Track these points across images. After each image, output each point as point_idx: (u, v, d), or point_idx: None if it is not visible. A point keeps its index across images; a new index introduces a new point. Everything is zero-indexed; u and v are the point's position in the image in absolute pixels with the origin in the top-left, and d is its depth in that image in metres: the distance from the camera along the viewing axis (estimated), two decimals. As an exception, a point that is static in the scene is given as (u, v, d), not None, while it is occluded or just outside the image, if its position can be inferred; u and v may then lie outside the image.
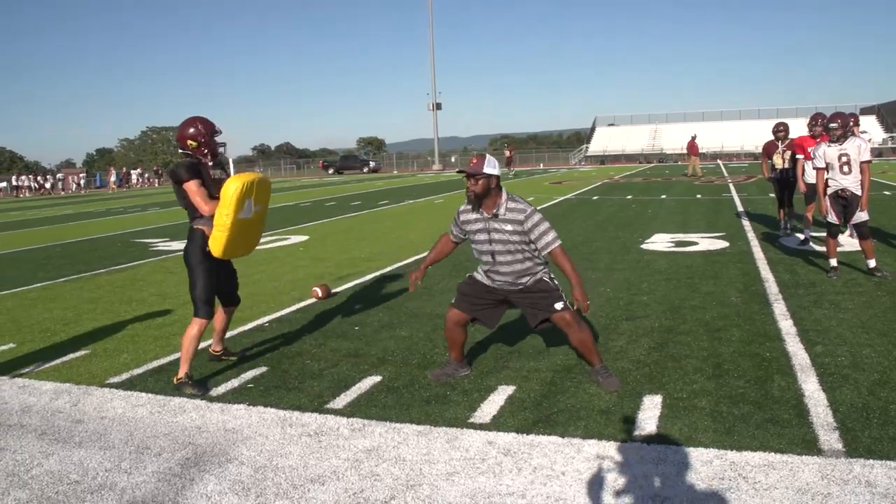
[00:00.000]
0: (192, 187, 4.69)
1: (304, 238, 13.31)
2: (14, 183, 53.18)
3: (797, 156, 9.90)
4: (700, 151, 32.56)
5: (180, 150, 4.89)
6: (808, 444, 3.47)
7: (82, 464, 3.69)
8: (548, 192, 23.99)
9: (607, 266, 8.67)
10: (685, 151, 32.54)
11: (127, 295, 8.31)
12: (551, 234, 4.23)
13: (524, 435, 3.74)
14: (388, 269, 9.25)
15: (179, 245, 13.20)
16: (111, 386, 4.93)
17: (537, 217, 4.23)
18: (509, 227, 4.21)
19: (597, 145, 65.44)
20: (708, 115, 66.60)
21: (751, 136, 54.71)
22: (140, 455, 3.76)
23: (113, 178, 54.41)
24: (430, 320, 6.29)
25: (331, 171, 61.10)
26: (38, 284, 9.36)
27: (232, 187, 4.62)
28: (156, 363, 5.40)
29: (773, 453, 3.39)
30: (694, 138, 30.15)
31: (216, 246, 4.71)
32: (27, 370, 5.39)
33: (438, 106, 61.05)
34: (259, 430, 4.02)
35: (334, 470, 3.44)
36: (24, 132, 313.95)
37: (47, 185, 54.90)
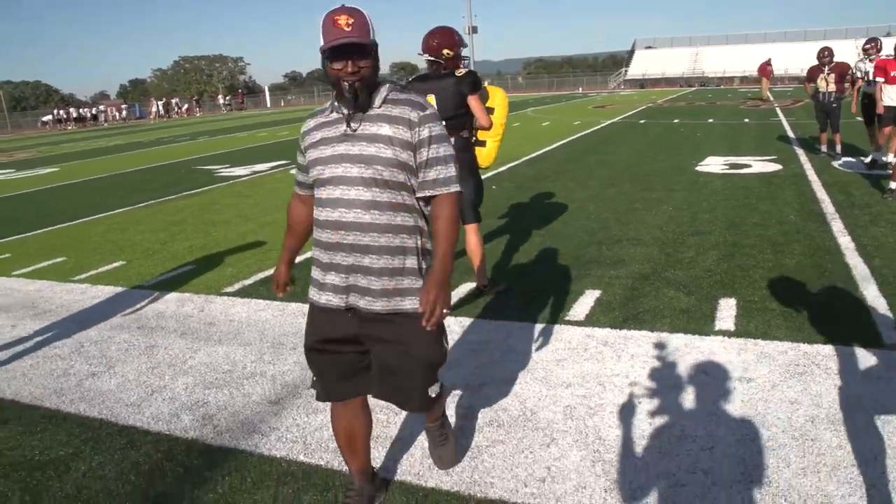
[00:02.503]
0: (474, 101, 4.58)
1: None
2: (56, 116, 54.10)
3: (877, 78, 9.91)
4: (745, 75, 31.52)
5: (428, 58, 4.68)
6: (872, 339, 3.89)
7: (229, 357, 4.25)
8: (593, 115, 23.97)
9: (665, 187, 8.99)
10: (757, 74, 31.07)
11: (208, 217, 8.87)
12: (453, 170, 2.36)
13: (618, 330, 4.23)
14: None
15: (243, 171, 13.75)
16: (228, 294, 5.50)
17: (441, 130, 2.36)
18: (386, 130, 2.28)
19: (636, 69, 64.06)
20: (752, 37, 64.42)
21: (796, 59, 52.98)
22: (277, 349, 4.31)
23: (154, 109, 55.14)
24: (515, 234, 6.75)
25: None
26: (118, 210, 9.98)
27: (500, 94, 4.72)
28: (261, 274, 5.93)
29: (841, 346, 3.83)
30: (769, 62, 28.78)
31: (492, 156, 4.88)
32: (145, 283, 5.99)
33: (474, 29, 59.81)
34: (376, 328, 4.54)
35: (456, 358, 3.96)
36: (57, 65, 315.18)
37: (91, 117, 55.73)
